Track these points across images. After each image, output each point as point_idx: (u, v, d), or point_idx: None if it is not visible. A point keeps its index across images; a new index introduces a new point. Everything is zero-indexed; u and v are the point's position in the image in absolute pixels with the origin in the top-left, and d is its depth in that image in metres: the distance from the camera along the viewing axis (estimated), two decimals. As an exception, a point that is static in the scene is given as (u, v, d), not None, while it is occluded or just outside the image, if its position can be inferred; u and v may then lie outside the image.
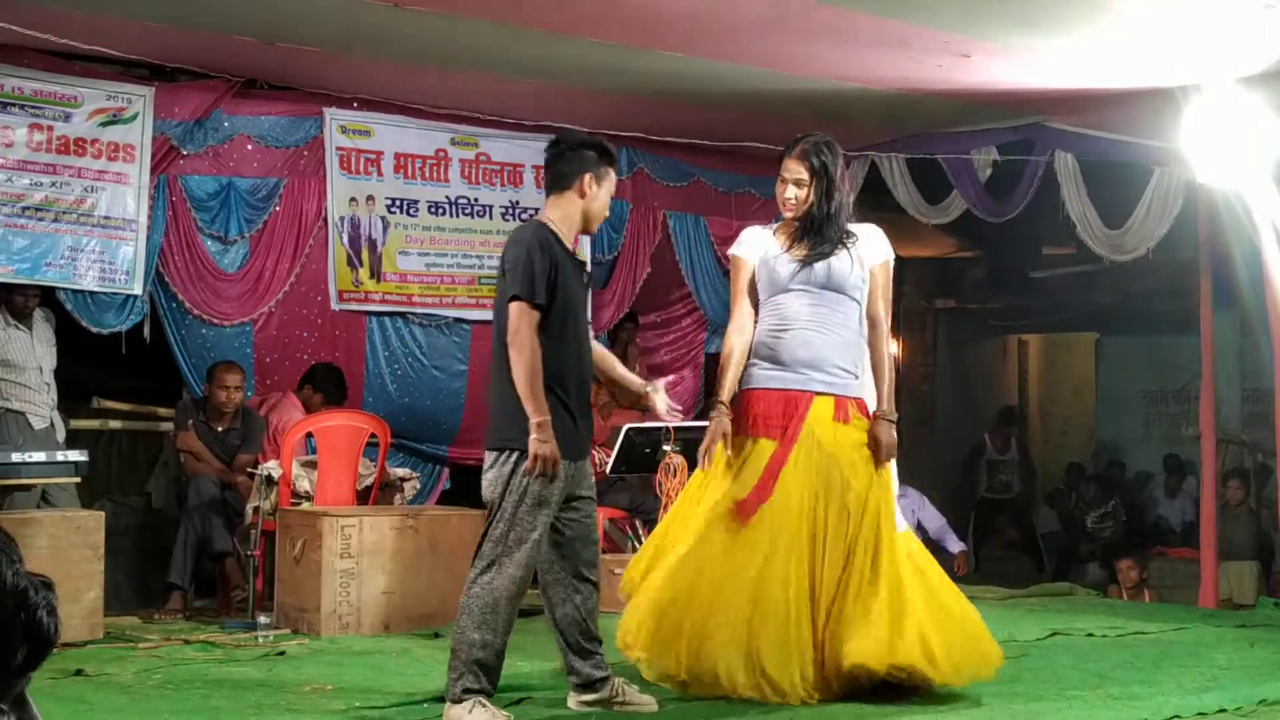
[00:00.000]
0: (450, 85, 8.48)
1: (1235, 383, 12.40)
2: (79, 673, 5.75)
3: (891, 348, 5.53)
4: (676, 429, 8.38)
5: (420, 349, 9.11)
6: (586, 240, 9.65)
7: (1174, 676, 5.72)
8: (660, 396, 5.21)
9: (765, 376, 5.38)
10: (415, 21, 7.02)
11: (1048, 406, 15.93)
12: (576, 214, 4.98)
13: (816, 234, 5.39)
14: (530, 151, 9.40)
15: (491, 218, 9.29)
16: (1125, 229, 9.07)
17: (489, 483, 4.88)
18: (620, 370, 5.41)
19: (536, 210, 9.37)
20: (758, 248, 5.50)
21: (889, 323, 5.53)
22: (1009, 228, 10.03)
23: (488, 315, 9.28)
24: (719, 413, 5.28)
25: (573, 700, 5.12)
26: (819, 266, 5.37)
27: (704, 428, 8.75)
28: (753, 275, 5.48)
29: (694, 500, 5.46)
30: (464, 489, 9.34)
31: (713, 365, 10.39)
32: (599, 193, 4.98)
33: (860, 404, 5.39)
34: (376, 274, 8.89)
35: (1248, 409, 12.43)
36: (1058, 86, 8.03)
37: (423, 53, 7.80)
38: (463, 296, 9.22)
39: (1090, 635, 6.93)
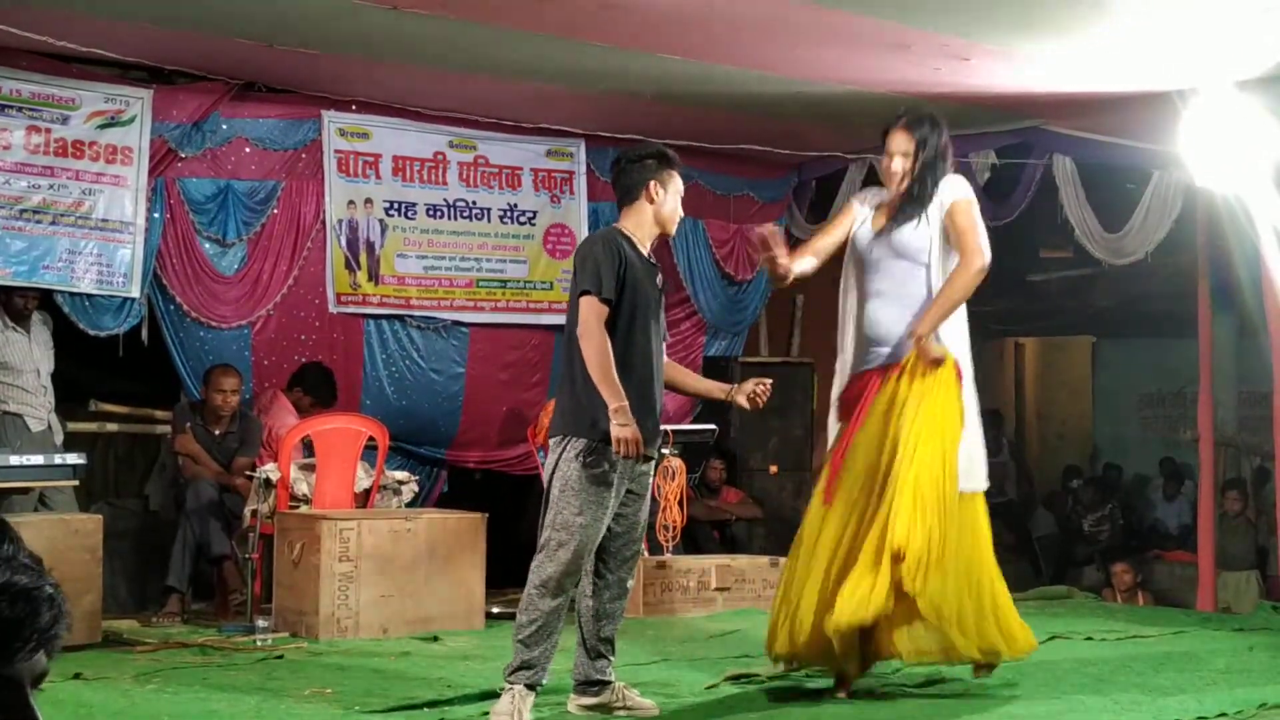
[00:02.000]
0: (448, 88, 8.47)
1: (1232, 386, 12.39)
2: (77, 676, 5.74)
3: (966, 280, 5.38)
4: (674, 432, 8.39)
5: (418, 352, 9.11)
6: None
7: (1173, 680, 5.72)
8: (742, 396, 5.32)
9: (844, 363, 5.69)
10: (414, 24, 7.02)
11: (1045, 410, 15.93)
12: (648, 220, 5.10)
13: (908, 206, 5.46)
14: (528, 154, 9.41)
15: (489, 220, 9.28)
16: (1123, 233, 9.07)
17: (546, 470, 5.09)
18: (693, 382, 5.64)
19: (535, 213, 9.48)
20: (862, 210, 5.65)
21: (975, 258, 5.40)
22: (1007, 231, 10.01)
23: (486, 318, 9.35)
24: None
25: (572, 703, 5.12)
26: (888, 239, 5.48)
27: (700, 431, 8.81)
28: (846, 233, 5.64)
29: None
30: (462, 492, 9.34)
31: (711, 368, 10.39)
32: (666, 197, 5.10)
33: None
34: (374, 277, 8.88)
35: (1245, 412, 12.42)
36: (1056, 90, 8.03)
37: (421, 55, 7.79)
38: (461, 299, 9.21)
39: (1089, 639, 6.92)
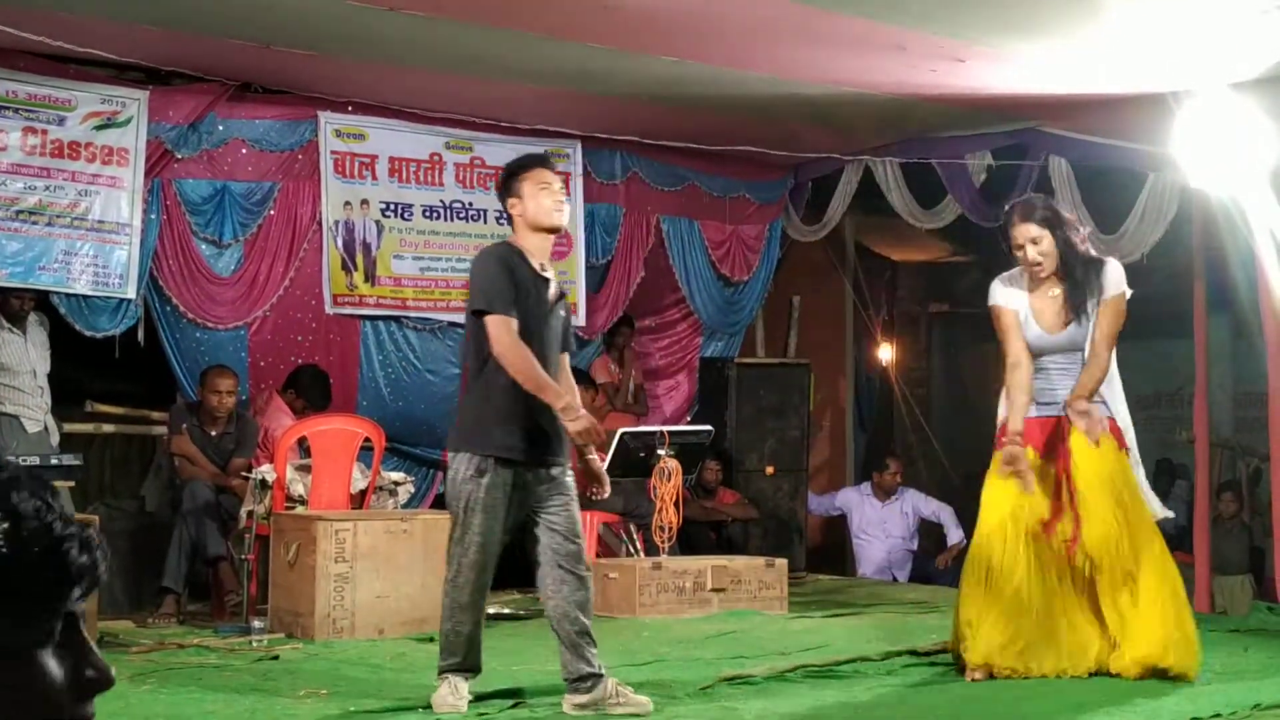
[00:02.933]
0: (445, 89, 8.48)
1: (1229, 387, 12.41)
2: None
3: (1109, 376, 5.94)
4: (670, 433, 8.40)
5: (414, 353, 9.11)
6: (581, 244, 9.67)
7: (1169, 680, 5.71)
8: (587, 461, 5.41)
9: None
10: (410, 25, 7.03)
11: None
12: (526, 230, 5.14)
13: (1077, 283, 5.80)
14: (525, 155, 9.40)
15: (486, 222, 9.29)
16: (1119, 234, 9.08)
17: (448, 486, 5.23)
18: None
19: (531, 214, 9.46)
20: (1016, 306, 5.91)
21: (1106, 356, 5.84)
22: (1003, 232, 10.02)
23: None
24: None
25: (567, 703, 5.12)
26: (1067, 336, 5.82)
27: (696, 432, 8.82)
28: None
29: None
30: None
31: (707, 369, 10.42)
32: (525, 199, 5.10)
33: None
34: (371, 278, 8.88)
35: (1241, 413, 12.44)
36: (1052, 91, 8.04)
37: (418, 57, 7.80)
38: (457, 300, 9.20)
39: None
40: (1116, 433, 5.85)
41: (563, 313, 5.22)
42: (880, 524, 10.59)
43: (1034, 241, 5.79)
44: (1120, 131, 8.60)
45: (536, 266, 5.10)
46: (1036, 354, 5.90)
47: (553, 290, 5.15)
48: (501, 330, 4.94)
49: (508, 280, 4.98)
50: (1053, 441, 5.82)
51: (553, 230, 5.15)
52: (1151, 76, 7.60)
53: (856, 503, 10.75)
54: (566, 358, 5.34)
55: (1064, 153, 9.00)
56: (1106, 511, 5.70)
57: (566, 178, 9.59)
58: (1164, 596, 5.73)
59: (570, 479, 5.20)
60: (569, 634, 5.13)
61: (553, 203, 5.10)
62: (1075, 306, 5.83)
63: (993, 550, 5.70)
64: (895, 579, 10.17)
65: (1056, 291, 5.85)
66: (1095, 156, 8.89)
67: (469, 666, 5.20)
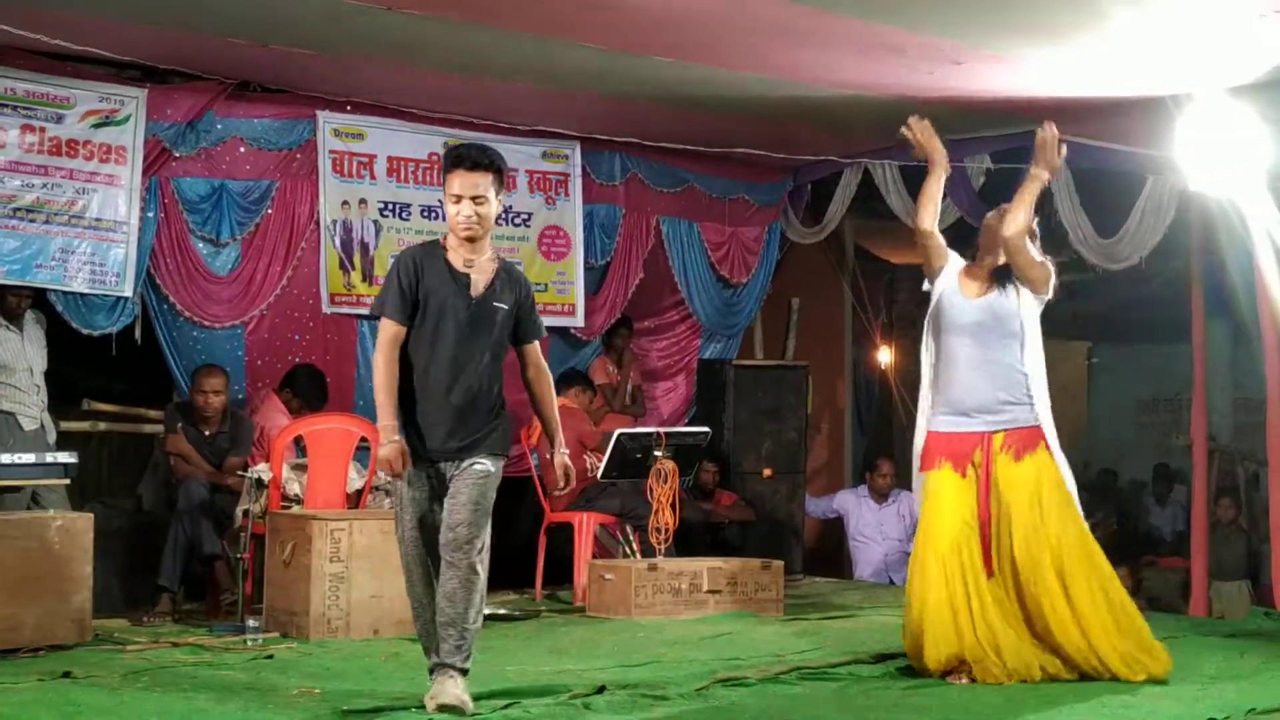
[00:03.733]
0: (444, 89, 8.47)
1: (1227, 392, 12.42)
2: (66, 675, 5.73)
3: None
4: (668, 434, 8.39)
5: (412, 353, 9.09)
6: (580, 245, 9.66)
7: (1164, 685, 5.71)
8: (557, 464, 5.39)
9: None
10: (408, 24, 7.02)
11: (1040, 415, 15.91)
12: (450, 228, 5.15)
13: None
14: (524, 156, 9.41)
15: (484, 222, 9.27)
16: (1118, 238, 9.08)
17: None
18: (545, 411, 5.39)
19: (530, 215, 9.48)
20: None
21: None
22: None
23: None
24: None
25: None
26: (982, 302, 5.93)
27: (694, 433, 8.81)
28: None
29: None
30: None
31: (705, 371, 10.40)
32: (445, 203, 5.10)
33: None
34: (368, 277, 8.87)
35: (1240, 418, 12.44)
36: (1050, 95, 8.03)
37: (416, 56, 7.79)
38: (455, 301, 9.20)
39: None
40: (1040, 439, 5.88)
41: (503, 306, 5.10)
42: (878, 526, 10.58)
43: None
44: (1119, 135, 8.59)
45: (459, 264, 5.07)
46: (950, 333, 5.88)
47: (476, 288, 5.06)
48: (380, 334, 5.07)
49: (399, 284, 5.02)
50: (972, 456, 5.85)
51: (468, 241, 5.07)
52: (1150, 80, 7.61)
53: (854, 505, 10.74)
54: (534, 348, 5.27)
55: (1062, 156, 8.96)
56: (1027, 525, 5.75)
57: (566, 179, 9.59)
58: (1099, 606, 5.78)
59: (480, 466, 5.06)
60: (437, 620, 5.15)
61: (461, 218, 5.02)
62: (1000, 280, 5.95)
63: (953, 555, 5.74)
64: (892, 581, 10.16)
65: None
66: (1094, 160, 8.88)
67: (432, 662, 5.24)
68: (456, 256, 5.08)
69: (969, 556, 5.74)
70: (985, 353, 5.87)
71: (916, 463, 6.03)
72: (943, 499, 5.81)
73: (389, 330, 5.05)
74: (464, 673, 5.08)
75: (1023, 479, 5.80)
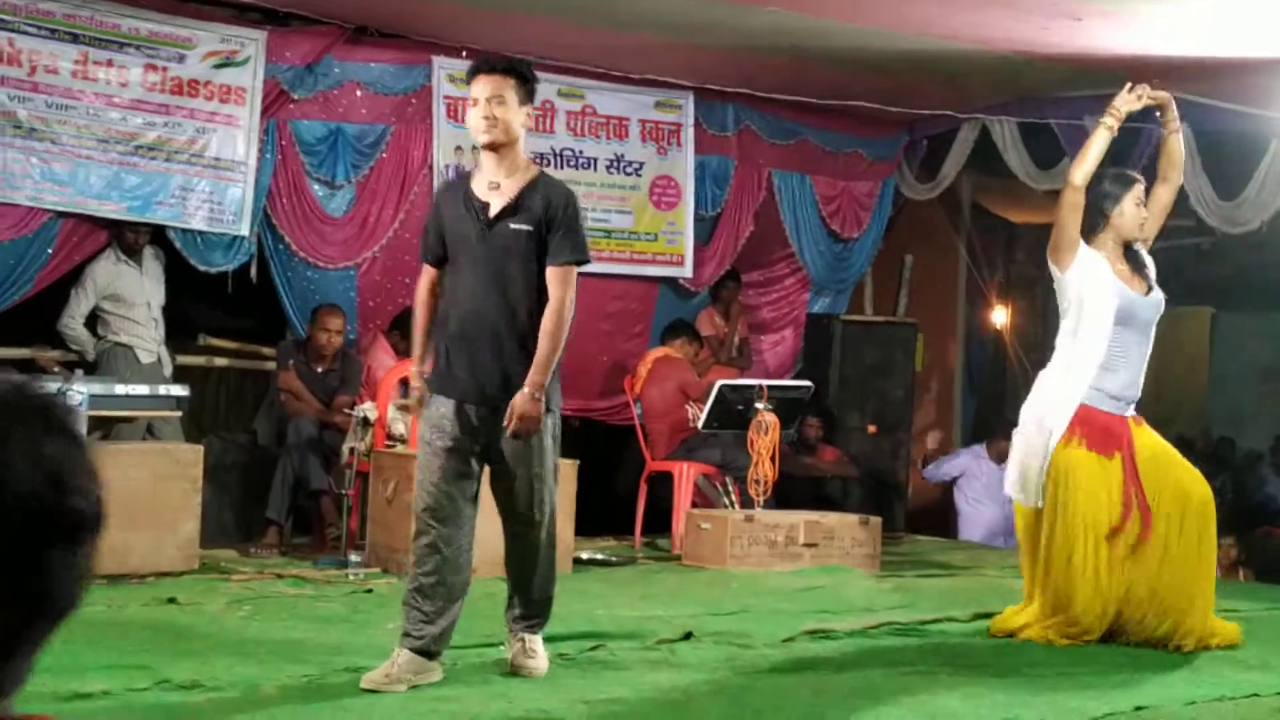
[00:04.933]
0: (558, 37, 8.50)
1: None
2: (171, 600, 5.91)
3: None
4: (770, 387, 8.39)
5: (522, 299, 9.16)
6: (690, 195, 9.64)
7: (1259, 655, 5.63)
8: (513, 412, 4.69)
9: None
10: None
11: (1160, 380, 15.63)
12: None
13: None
14: (637, 105, 9.42)
15: (596, 170, 9.32)
16: (1239, 201, 8.88)
17: None
18: (537, 349, 4.71)
19: (641, 164, 9.49)
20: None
21: None
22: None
23: (591, 268, 9.28)
24: None
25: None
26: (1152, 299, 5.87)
27: (796, 387, 8.79)
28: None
29: None
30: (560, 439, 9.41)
31: (813, 325, 10.36)
32: (468, 113, 4.81)
33: None
34: (480, 223, 8.94)
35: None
36: (1172, 54, 7.86)
37: (532, 4, 7.83)
38: (565, 248, 9.25)
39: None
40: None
41: (523, 227, 4.63)
42: (993, 488, 10.47)
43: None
44: (1243, 96, 8.39)
45: (482, 187, 4.70)
46: (1131, 328, 5.77)
47: (491, 211, 4.66)
48: (420, 279, 4.92)
49: (427, 223, 4.87)
50: (1120, 440, 5.77)
51: (487, 149, 4.68)
52: (1275, 40, 7.41)
53: (972, 466, 10.65)
54: (555, 272, 4.67)
55: (1184, 117, 8.72)
56: (1175, 483, 5.73)
57: (679, 128, 9.57)
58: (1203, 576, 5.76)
59: (513, 436, 4.69)
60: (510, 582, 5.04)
61: (478, 120, 4.65)
62: (1143, 271, 5.89)
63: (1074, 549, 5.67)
64: (1006, 544, 10.08)
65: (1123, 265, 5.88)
66: (1216, 122, 8.68)
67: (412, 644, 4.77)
68: (481, 180, 4.72)
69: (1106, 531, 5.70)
70: (1149, 349, 5.87)
71: (1053, 433, 5.79)
72: (1091, 477, 5.72)
73: (424, 274, 4.88)
74: (536, 628, 4.92)
75: (1155, 442, 5.84)
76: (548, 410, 4.72)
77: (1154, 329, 5.85)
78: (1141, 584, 5.67)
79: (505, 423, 4.62)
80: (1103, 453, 5.74)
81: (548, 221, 4.65)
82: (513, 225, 4.64)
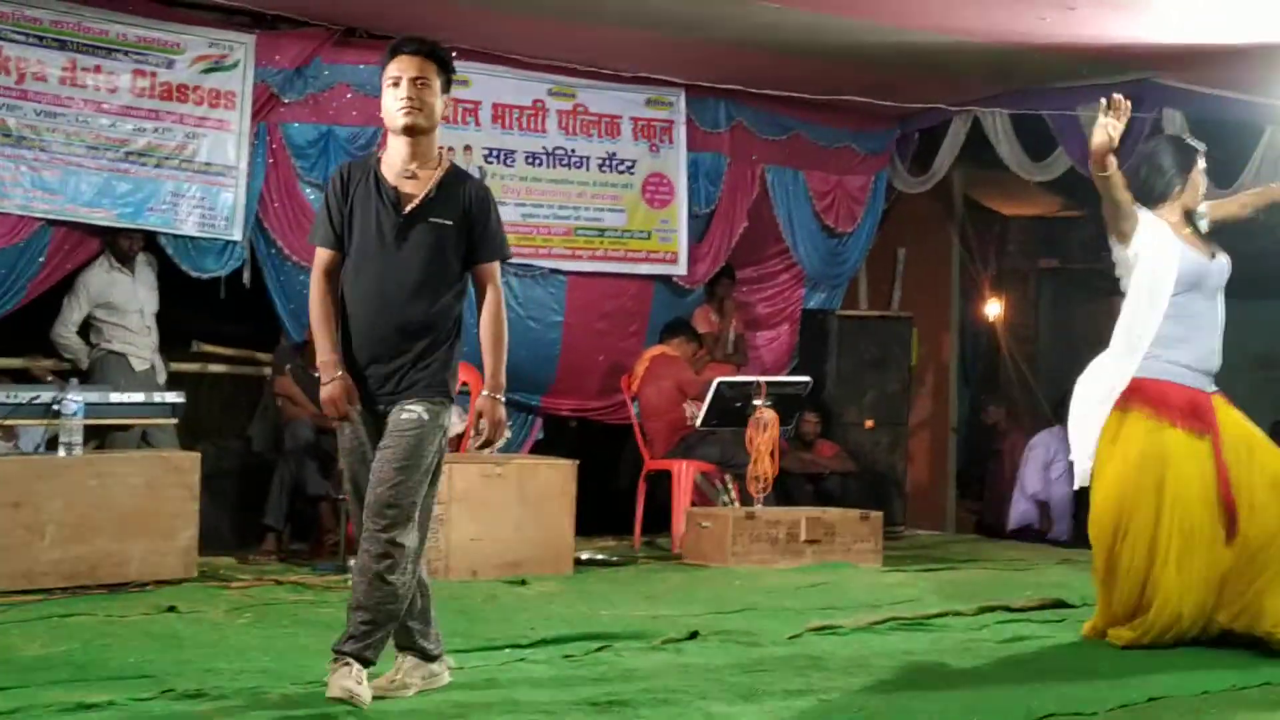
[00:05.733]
0: (548, 35, 8.47)
1: (1346, 348, 12.09)
2: (171, 609, 5.87)
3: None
4: (768, 383, 8.36)
5: (516, 299, 9.14)
6: (684, 193, 9.60)
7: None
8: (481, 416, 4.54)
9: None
10: (512, -30, 7.01)
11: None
12: (389, 132, 4.48)
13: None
14: (628, 103, 9.40)
15: (588, 169, 9.29)
16: (1234, 188, 8.85)
17: None
18: (487, 358, 4.54)
19: (634, 162, 9.45)
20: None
21: None
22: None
23: (584, 266, 9.36)
24: None
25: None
26: (1217, 264, 5.74)
27: (794, 383, 8.76)
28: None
29: None
30: (557, 439, 9.39)
31: (809, 320, 10.34)
32: (381, 97, 4.46)
33: None
34: (473, 224, 8.89)
35: (1359, 376, 12.12)
36: (1167, 41, 7.84)
37: (521, 3, 7.79)
38: (559, 248, 9.23)
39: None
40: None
41: (444, 221, 4.35)
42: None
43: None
44: (1237, 83, 8.39)
45: (393, 175, 4.38)
46: (1200, 294, 5.60)
47: (408, 202, 4.34)
48: (314, 264, 4.47)
49: (326, 205, 4.44)
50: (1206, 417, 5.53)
51: (406, 133, 4.36)
52: (1269, 27, 7.39)
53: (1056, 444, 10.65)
54: (485, 270, 4.46)
55: (1179, 105, 8.78)
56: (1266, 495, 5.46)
57: (670, 125, 9.53)
58: None
59: (409, 414, 4.33)
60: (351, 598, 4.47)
61: (398, 102, 4.35)
62: (1204, 234, 5.73)
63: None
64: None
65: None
66: (1211, 109, 8.67)
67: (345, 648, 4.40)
68: (392, 167, 4.39)
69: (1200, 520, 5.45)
70: (1221, 318, 5.69)
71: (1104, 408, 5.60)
72: (1185, 458, 5.48)
73: (319, 258, 4.44)
74: (366, 663, 4.33)
75: (1239, 423, 5.63)
76: (449, 402, 4.44)
77: (1222, 296, 5.67)
78: (1233, 579, 5.41)
79: (478, 432, 4.45)
80: (1192, 431, 5.50)
81: (471, 216, 4.40)
82: (433, 219, 4.36)
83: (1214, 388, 5.65)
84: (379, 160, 4.44)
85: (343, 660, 4.30)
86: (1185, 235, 5.66)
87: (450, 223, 4.37)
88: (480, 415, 4.45)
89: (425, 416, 4.33)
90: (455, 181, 4.43)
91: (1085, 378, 5.79)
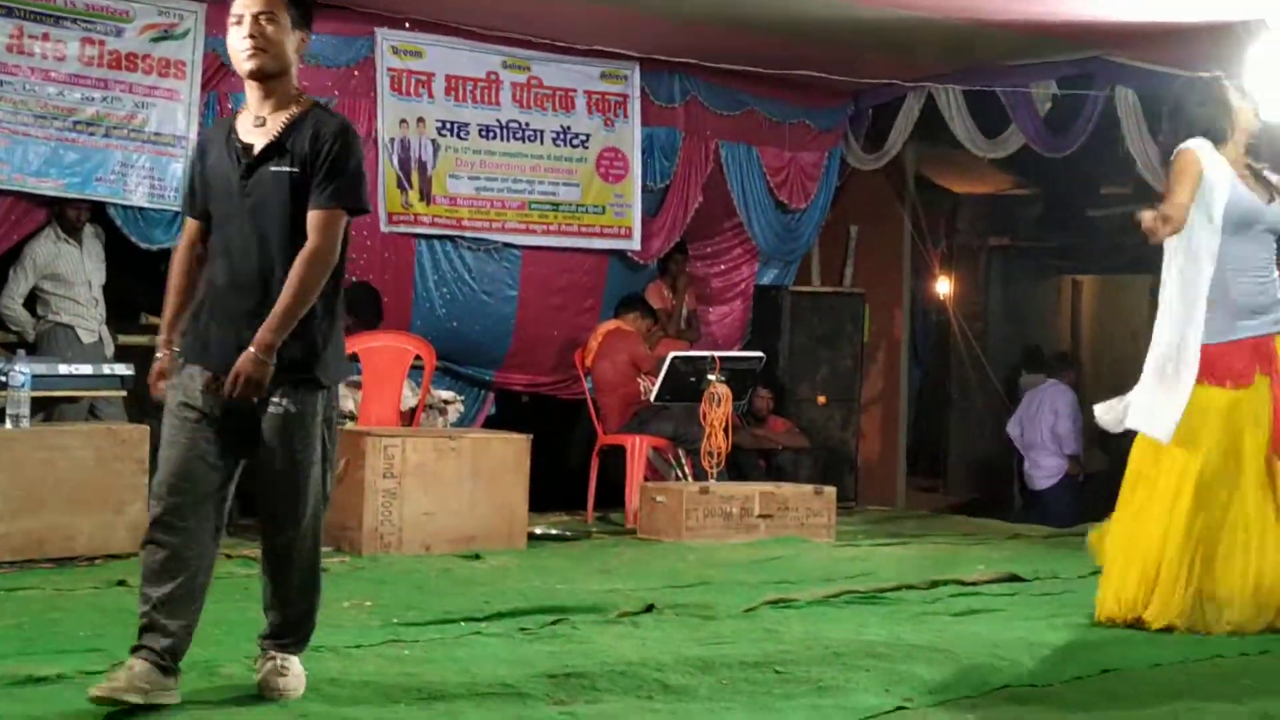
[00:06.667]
0: (503, 7, 8.41)
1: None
2: (121, 583, 5.81)
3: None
4: (721, 358, 8.36)
5: (470, 274, 9.09)
6: (638, 168, 9.57)
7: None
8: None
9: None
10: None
11: (1101, 349, 15.75)
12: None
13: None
14: (582, 76, 9.35)
15: (543, 143, 9.24)
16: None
17: None
18: (279, 299, 3.94)
19: (588, 136, 9.40)
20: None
21: None
22: (1067, 164, 9.87)
23: (538, 241, 9.31)
24: None
25: None
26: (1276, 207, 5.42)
27: (748, 358, 8.75)
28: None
29: None
30: (510, 414, 9.36)
31: (762, 296, 10.34)
32: (229, 32, 4.03)
33: None
34: (426, 197, 8.86)
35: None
36: (1119, 19, 7.87)
37: (475, -27, 7.74)
38: (513, 221, 9.18)
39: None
40: None
41: (285, 169, 3.93)
42: None
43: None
44: (1189, 62, 8.37)
45: (246, 127, 4.02)
46: (1243, 227, 5.28)
47: (252, 152, 3.97)
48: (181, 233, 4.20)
49: (192, 172, 4.16)
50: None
51: (253, 77, 3.97)
52: (1222, 5, 7.43)
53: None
54: (316, 217, 3.91)
55: (1130, 82, 8.81)
56: None
57: (625, 100, 9.49)
58: None
59: (275, 408, 3.96)
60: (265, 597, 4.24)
61: (241, 42, 3.95)
62: (1267, 185, 5.43)
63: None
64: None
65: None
66: (1162, 87, 8.69)
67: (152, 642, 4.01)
68: (246, 117, 4.04)
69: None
70: (1274, 265, 5.40)
71: (1186, 380, 5.29)
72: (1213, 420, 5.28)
73: (184, 230, 4.17)
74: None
75: None
76: (320, 387, 4.00)
77: (1276, 245, 5.38)
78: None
79: (229, 389, 3.86)
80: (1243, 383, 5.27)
81: (313, 159, 3.93)
82: (273, 168, 3.94)
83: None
84: (237, 113, 4.10)
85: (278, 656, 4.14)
86: (1243, 175, 5.40)
87: (295, 169, 3.93)
88: (235, 373, 3.84)
89: (293, 409, 3.94)
90: (306, 123, 3.98)
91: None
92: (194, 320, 4.06)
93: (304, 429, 3.97)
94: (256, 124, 3.99)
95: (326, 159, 3.93)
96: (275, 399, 3.94)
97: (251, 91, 4.00)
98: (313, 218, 3.92)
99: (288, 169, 3.93)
